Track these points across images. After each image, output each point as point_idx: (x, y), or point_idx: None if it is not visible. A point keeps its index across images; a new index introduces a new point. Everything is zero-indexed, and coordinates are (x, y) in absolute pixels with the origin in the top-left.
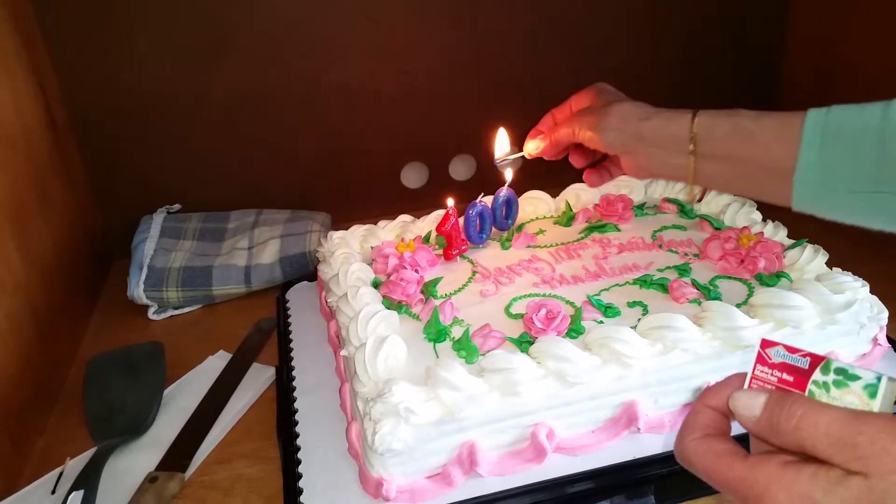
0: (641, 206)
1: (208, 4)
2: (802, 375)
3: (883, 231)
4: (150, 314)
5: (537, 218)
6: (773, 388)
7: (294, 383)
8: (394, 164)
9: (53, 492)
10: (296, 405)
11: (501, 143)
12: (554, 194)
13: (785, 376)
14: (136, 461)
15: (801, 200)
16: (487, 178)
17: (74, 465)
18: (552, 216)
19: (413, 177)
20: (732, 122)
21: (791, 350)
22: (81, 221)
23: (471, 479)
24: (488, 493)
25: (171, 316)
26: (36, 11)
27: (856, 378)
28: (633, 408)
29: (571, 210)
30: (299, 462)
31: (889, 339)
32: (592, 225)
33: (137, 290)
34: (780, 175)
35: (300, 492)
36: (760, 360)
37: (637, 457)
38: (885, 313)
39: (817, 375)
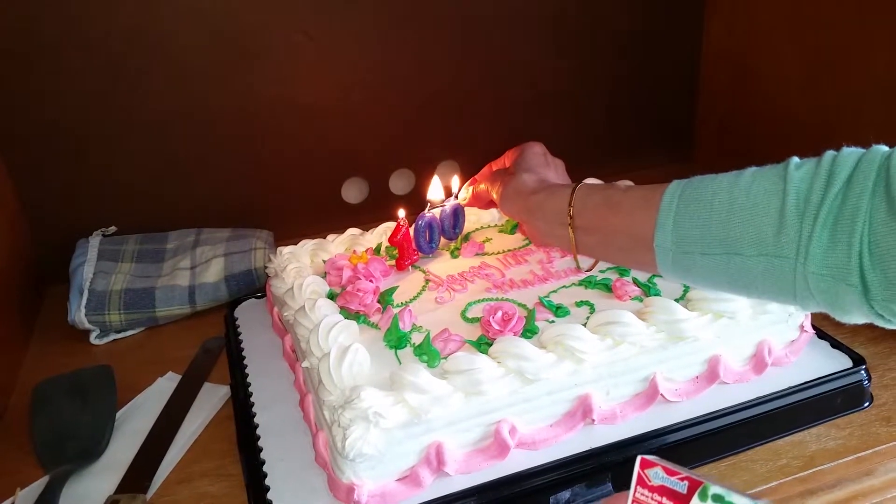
0: None
1: (141, 20)
2: (681, 501)
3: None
4: (92, 339)
5: (482, 227)
6: None
7: (252, 399)
8: (334, 180)
9: None
10: (256, 420)
11: (435, 189)
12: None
13: (665, 501)
14: (93, 486)
15: (664, 266)
16: (427, 191)
17: (26, 496)
18: (496, 225)
19: (353, 192)
20: (605, 194)
21: (669, 472)
22: (13, 247)
23: (439, 478)
24: (456, 490)
25: (114, 340)
26: None
27: None
28: (587, 400)
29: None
30: (265, 475)
31: (813, 326)
32: None
33: (78, 314)
34: (643, 242)
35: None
36: (640, 481)
37: (593, 447)
38: None
39: (696, 502)
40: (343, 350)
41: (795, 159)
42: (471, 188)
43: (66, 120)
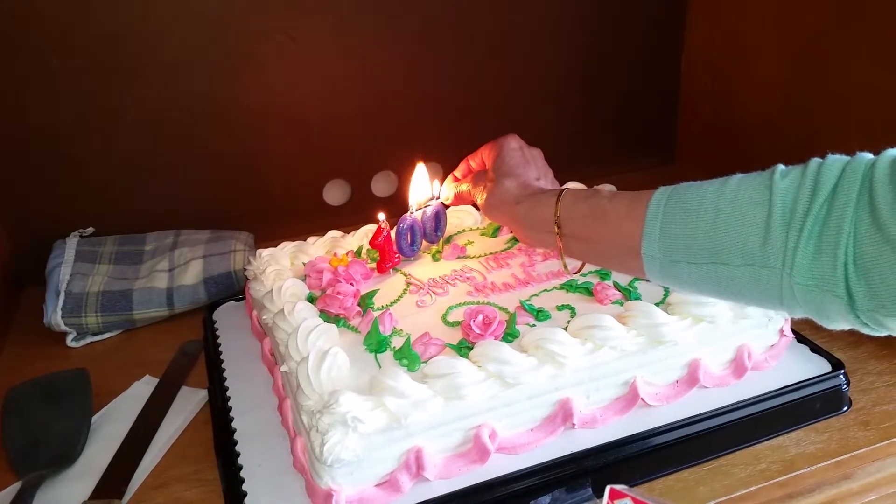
0: None
1: (121, 21)
2: None
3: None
4: (69, 342)
5: (464, 230)
6: None
7: (229, 403)
8: (315, 182)
9: None
10: (233, 425)
11: (418, 188)
12: (478, 207)
13: None
14: (67, 491)
15: (652, 273)
16: (409, 188)
17: None
18: (478, 228)
19: (335, 194)
20: (590, 202)
21: (638, 503)
22: None
23: (418, 483)
24: (435, 496)
25: (91, 343)
26: None
27: None
28: (567, 404)
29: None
30: (243, 481)
31: (793, 331)
32: None
33: (55, 316)
34: (631, 250)
35: None
36: None
37: (573, 451)
38: None
39: None
40: (322, 354)
41: (781, 167)
42: (453, 186)
43: (43, 120)
